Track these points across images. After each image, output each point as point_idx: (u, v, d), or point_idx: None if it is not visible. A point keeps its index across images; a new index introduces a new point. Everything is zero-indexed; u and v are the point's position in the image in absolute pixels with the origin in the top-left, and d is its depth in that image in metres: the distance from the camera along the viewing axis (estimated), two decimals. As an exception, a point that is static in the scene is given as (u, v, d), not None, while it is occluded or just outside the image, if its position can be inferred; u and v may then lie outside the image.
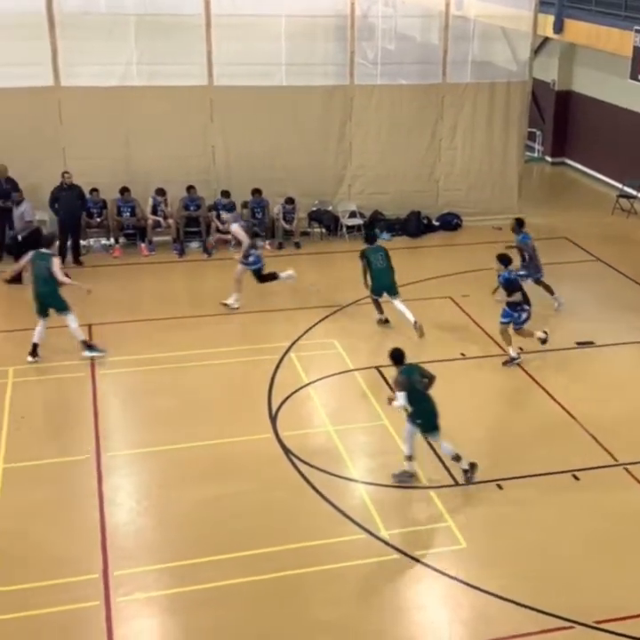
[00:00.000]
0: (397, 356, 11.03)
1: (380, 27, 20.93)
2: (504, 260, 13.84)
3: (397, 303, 15.05)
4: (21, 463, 11.19)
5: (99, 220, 18.56)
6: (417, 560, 9.64)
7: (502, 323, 14.01)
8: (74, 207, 17.86)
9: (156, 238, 18.74)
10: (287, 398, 12.88)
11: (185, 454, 11.52)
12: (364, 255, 15.19)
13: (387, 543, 9.90)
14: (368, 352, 14.32)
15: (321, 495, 10.70)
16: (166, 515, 10.38)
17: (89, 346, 14.06)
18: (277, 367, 13.76)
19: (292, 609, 9.00)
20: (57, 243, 14.48)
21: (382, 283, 15.12)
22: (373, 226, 19.89)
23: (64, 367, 13.68)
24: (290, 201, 19.13)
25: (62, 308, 13.98)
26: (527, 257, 15.53)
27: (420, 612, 9.12)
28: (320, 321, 15.44)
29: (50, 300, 13.93)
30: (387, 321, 15.32)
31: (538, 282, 15.67)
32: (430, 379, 10.99)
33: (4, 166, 17.64)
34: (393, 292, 15.13)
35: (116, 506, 10.55)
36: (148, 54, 18.82)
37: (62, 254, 17.79)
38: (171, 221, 18.71)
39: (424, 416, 10.84)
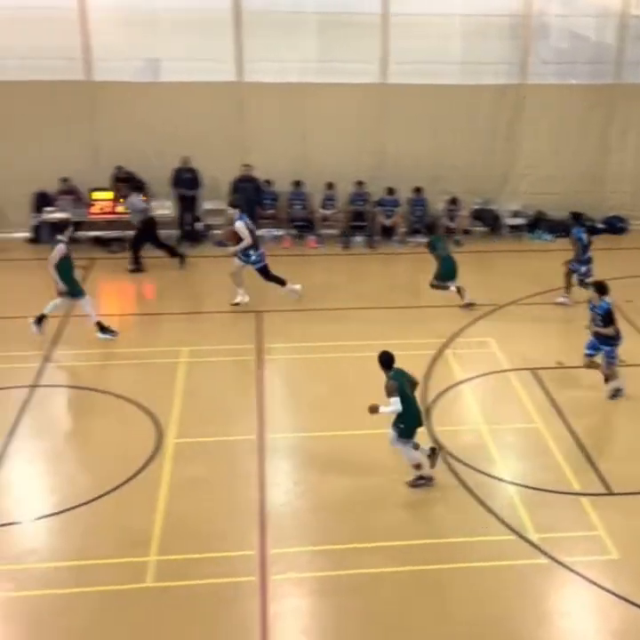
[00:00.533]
0: (386, 360, 10.53)
1: (553, 26, 20.39)
2: (601, 288, 12.67)
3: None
4: (191, 439, 11.57)
5: (271, 211, 18.96)
6: (565, 566, 9.39)
7: (587, 354, 12.72)
8: (251, 198, 18.21)
9: (323, 231, 18.99)
10: (441, 394, 12.79)
11: (341, 441, 11.62)
12: (430, 244, 15.82)
13: (535, 546, 9.69)
14: (523, 353, 13.98)
15: (471, 492, 10.59)
16: (322, 499, 10.51)
17: (39, 321, 14.08)
18: (433, 363, 13.68)
19: (435, 602, 8.97)
20: (71, 229, 14.57)
21: (448, 269, 15.52)
22: (536, 227, 19.51)
23: (233, 350, 14.09)
24: (453, 201, 18.97)
25: (75, 293, 14.17)
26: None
27: (564, 618, 8.88)
28: (477, 319, 15.25)
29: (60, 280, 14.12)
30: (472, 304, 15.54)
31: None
32: (414, 385, 10.71)
33: (187, 157, 18.27)
34: (455, 277, 15.58)
35: (276, 486, 10.76)
36: (325, 52, 19.06)
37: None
38: (339, 215, 18.90)
39: (407, 420, 10.41)
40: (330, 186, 18.98)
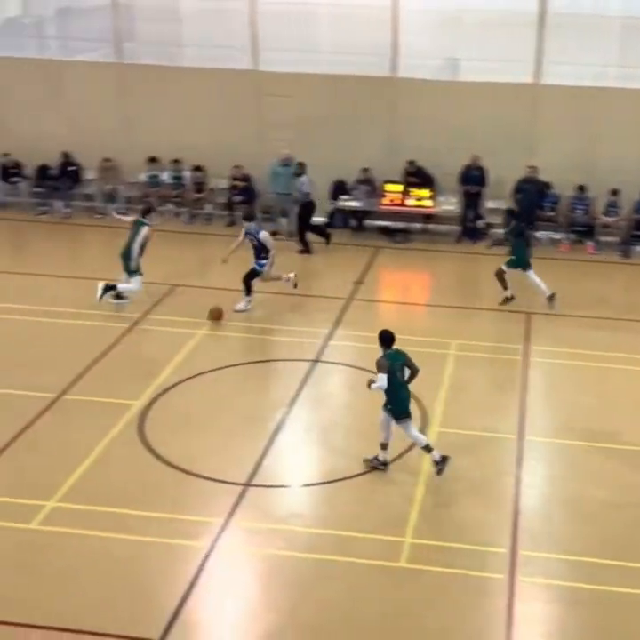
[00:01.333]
0: (386, 338, 10.07)
1: None
2: None
3: (531, 275, 14.91)
4: (454, 430, 11.49)
5: (550, 214, 18.32)
6: None
7: None
8: (533, 200, 17.77)
9: (602, 238, 18.09)
10: None
11: (595, 454, 11.08)
12: (515, 229, 14.94)
13: None
14: None
15: None
16: (577, 508, 10.09)
17: (118, 295, 14.34)
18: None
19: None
20: (153, 213, 14.60)
21: (525, 256, 14.85)
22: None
23: (501, 348, 13.86)
24: None
25: (133, 271, 14.22)
26: None
27: None
28: None
29: (125, 259, 14.18)
30: (512, 298, 14.89)
31: None
32: (413, 371, 10.23)
33: (478, 156, 18.01)
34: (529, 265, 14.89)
35: (531, 488, 10.45)
36: (625, 56, 18.06)
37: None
38: (621, 223, 17.92)
39: (395, 403, 10.10)
40: (614, 192, 18.02)
